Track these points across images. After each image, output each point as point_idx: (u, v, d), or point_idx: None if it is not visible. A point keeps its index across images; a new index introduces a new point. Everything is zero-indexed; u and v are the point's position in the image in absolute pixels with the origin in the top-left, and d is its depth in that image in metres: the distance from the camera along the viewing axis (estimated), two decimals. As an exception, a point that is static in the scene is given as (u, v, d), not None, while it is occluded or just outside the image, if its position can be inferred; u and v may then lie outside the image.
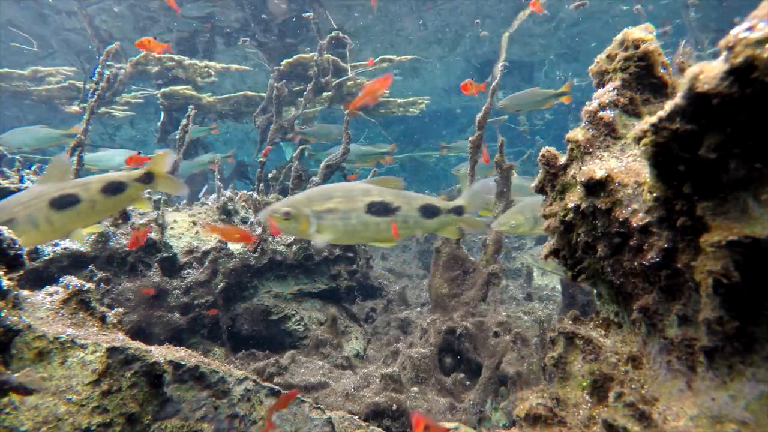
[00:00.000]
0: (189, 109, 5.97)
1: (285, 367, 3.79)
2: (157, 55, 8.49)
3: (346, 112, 5.96)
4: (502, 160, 4.02)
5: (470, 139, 4.14)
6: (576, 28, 16.42)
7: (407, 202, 2.82)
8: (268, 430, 2.30)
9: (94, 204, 2.88)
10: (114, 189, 2.97)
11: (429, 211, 2.88)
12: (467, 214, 3.00)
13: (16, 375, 1.65)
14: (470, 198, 3.04)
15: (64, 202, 2.77)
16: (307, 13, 8.52)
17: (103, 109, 9.60)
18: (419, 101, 10.07)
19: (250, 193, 5.43)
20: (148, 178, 3.07)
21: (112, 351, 1.99)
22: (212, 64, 9.31)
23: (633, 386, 1.52)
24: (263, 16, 10.74)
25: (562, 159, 1.83)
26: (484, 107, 4.06)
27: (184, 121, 5.80)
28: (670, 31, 9.82)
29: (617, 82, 1.75)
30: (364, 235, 2.79)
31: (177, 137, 5.93)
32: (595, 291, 1.83)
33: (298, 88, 8.61)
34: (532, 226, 3.06)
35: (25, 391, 1.61)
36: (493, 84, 4.08)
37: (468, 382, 3.87)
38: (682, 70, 1.72)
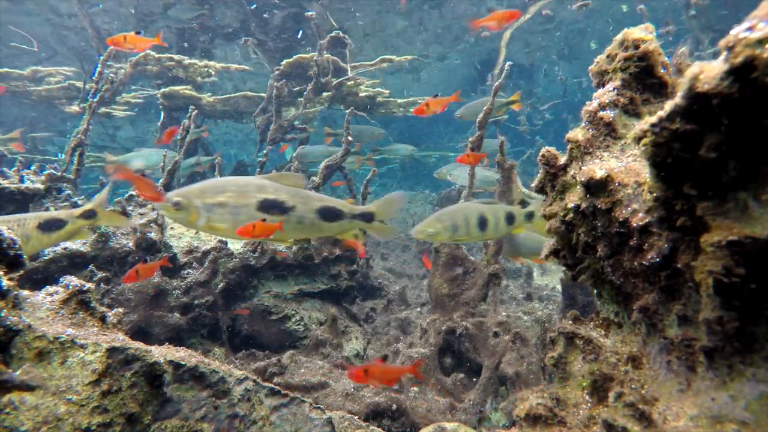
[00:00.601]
0: (190, 110, 5.98)
1: (285, 366, 3.79)
2: (156, 55, 8.50)
3: (347, 112, 5.96)
4: (503, 159, 4.01)
5: (470, 139, 4.14)
6: (576, 28, 16.43)
7: (304, 203, 2.73)
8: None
9: (27, 239, 2.91)
10: (51, 226, 3.00)
11: (329, 214, 2.80)
12: (377, 222, 2.93)
13: (18, 372, 1.65)
14: (383, 205, 2.98)
15: None
16: (309, 12, 8.51)
17: (103, 109, 9.60)
18: (419, 101, 10.07)
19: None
20: (90, 215, 3.12)
21: (112, 351, 1.99)
22: (212, 63, 9.31)
23: (633, 386, 1.52)
24: (265, 15, 10.74)
25: (562, 159, 1.83)
26: (485, 108, 4.07)
27: (185, 122, 5.81)
28: (673, 31, 9.81)
29: (617, 82, 1.75)
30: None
31: (178, 137, 5.94)
32: (595, 291, 1.83)
33: (298, 88, 8.61)
34: (451, 234, 3.01)
35: (27, 387, 1.61)
36: (496, 84, 4.09)
37: (468, 382, 3.87)
38: (680, 70, 1.72)
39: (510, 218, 2.95)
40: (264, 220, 2.60)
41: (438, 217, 3.05)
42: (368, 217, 2.93)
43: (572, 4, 10.57)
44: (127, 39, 4.56)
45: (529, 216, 3.00)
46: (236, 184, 2.67)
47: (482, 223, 2.92)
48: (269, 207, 2.67)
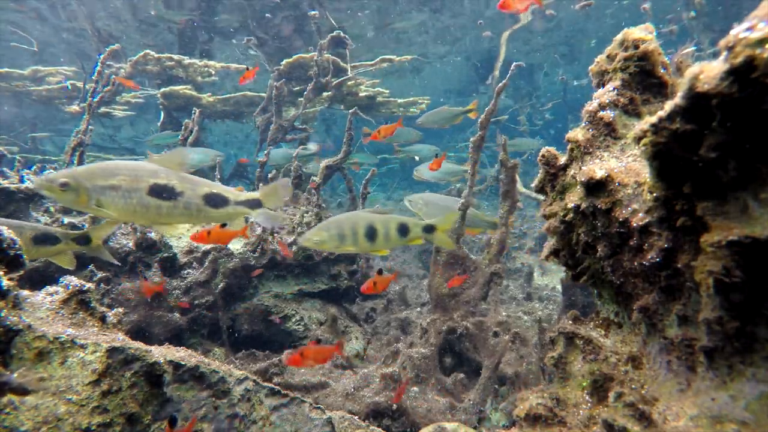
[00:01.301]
0: (194, 111, 6.02)
1: (285, 366, 3.79)
2: (156, 55, 8.50)
3: (349, 112, 5.96)
4: (506, 158, 4.01)
5: (472, 139, 4.14)
6: (576, 27, 16.43)
7: (192, 188, 2.74)
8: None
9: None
10: (44, 240, 2.97)
11: (215, 201, 2.81)
12: (263, 209, 2.96)
13: (15, 375, 1.65)
14: (269, 193, 2.99)
15: None
16: (313, 12, 8.51)
17: (103, 109, 9.59)
18: (420, 101, 10.07)
19: (250, 193, 5.42)
20: (84, 240, 3.08)
21: (112, 351, 1.99)
22: (212, 63, 9.31)
23: (633, 386, 1.52)
24: (268, 15, 10.73)
25: (562, 159, 1.83)
26: (487, 109, 4.07)
27: (187, 122, 5.82)
28: (676, 31, 9.81)
29: (617, 82, 1.75)
30: (145, 216, 2.70)
31: (180, 137, 5.95)
32: (595, 291, 1.83)
33: (298, 88, 8.60)
34: (338, 243, 2.95)
35: (23, 391, 1.61)
36: (499, 86, 4.08)
37: (468, 382, 3.87)
38: (680, 69, 1.72)
39: (403, 230, 2.90)
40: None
41: (326, 225, 2.99)
42: (254, 204, 2.96)
43: (574, 4, 10.57)
44: None
45: (429, 229, 2.95)
46: (127, 167, 2.66)
47: (371, 233, 2.87)
48: (159, 192, 2.67)
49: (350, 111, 5.98)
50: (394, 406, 3.31)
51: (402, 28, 14.45)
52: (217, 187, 2.85)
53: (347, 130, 5.82)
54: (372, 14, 13.11)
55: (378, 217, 2.91)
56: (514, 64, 4.50)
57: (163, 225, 2.81)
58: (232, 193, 2.92)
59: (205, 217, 2.85)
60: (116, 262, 3.28)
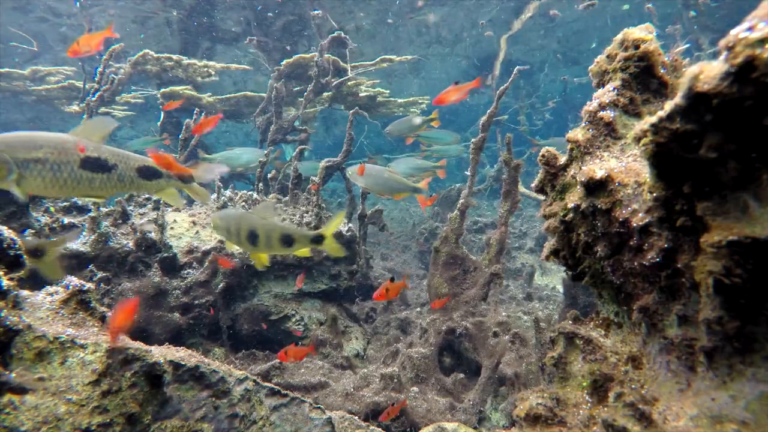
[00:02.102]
0: (195, 111, 6.02)
1: (285, 367, 3.79)
2: (155, 55, 8.49)
3: (350, 112, 5.98)
4: (509, 158, 4.02)
5: (473, 140, 4.15)
6: (576, 28, 16.42)
7: (124, 161, 2.82)
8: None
9: None
10: None
11: (148, 173, 2.90)
12: (194, 184, 3.06)
13: (13, 375, 1.65)
14: (201, 169, 3.09)
15: None
16: (316, 12, 8.51)
17: (102, 109, 9.60)
18: (420, 101, 10.07)
19: (249, 193, 5.43)
20: (38, 253, 3.04)
21: (112, 351, 1.99)
22: (212, 63, 9.30)
23: (633, 386, 1.52)
24: (270, 14, 10.71)
25: (562, 159, 1.83)
26: (489, 111, 4.08)
27: (188, 121, 5.82)
28: (680, 31, 9.81)
29: (617, 82, 1.75)
30: (76, 190, 2.67)
31: (180, 138, 5.96)
32: (595, 291, 1.83)
33: (298, 88, 8.60)
34: (227, 236, 2.98)
35: (22, 390, 1.61)
36: (501, 89, 4.09)
37: (468, 382, 3.87)
38: (675, 69, 1.72)
39: (287, 240, 2.90)
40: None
41: (224, 214, 3.07)
42: (186, 179, 3.07)
43: (578, 4, 10.58)
44: (80, 43, 4.21)
45: (318, 239, 2.96)
46: (49, 139, 2.59)
47: (252, 237, 2.91)
48: (93, 165, 2.66)
49: (351, 111, 5.98)
50: (398, 402, 3.31)
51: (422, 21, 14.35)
52: (147, 161, 2.94)
53: (348, 130, 5.83)
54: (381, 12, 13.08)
55: (262, 224, 2.92)
56: (517, 68, 4.52)
57: (91, 197, 2.85)
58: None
59: (138, 187, 2.92)
60: (63, 276, 3.26)
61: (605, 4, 13.69)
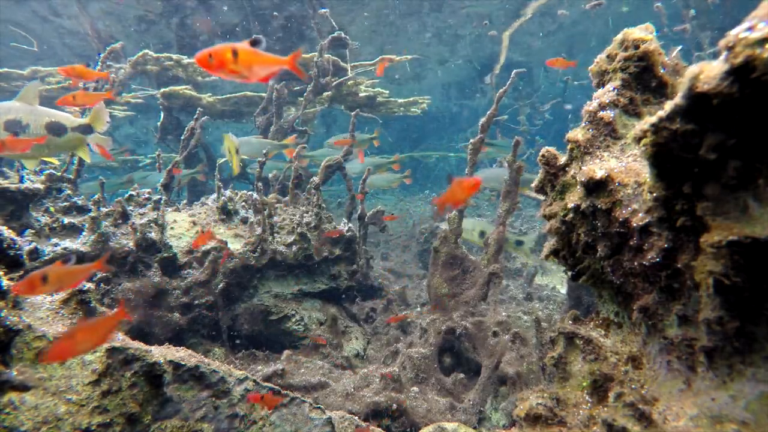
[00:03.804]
0: (197, 112, 6.04)
1: (285, 372, 3.79)
2: (155, 55, 8.49)
3: (352, 114, 6.00)
4: (513, 159, 4.03)
5: (471, 141, 4.15)
6: (576, 28, 16.42)
7: (36, 120, 3.21)
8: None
9: None
10: None
11: (56, 129, 3.28)
12: (94, 134, 3.50)
13: (14, 373, 1.65)
14: (94, 117, 3.50)
15: None
16: (323, 10, 8.51)
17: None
18: (420, 101, 10.07)
19: (250, 193, 5.43)
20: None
21: (112, 351, 1.99)
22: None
23: (633, 386, 1.52)
24: (275, 13, 10.69)
25: (562, 159, 1.83)
26: (488, 112, 4.09)
27: (192, 123, 5.83)
28: (689, 30, 9.78)
29: (617, 82, 1.75)
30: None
31: (182, 138, 5.97)
32: (595, 291, 1.83)
33: (298, 87, 8.60)
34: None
35: (24, 388, 1.61)
36: (500, 92, 4.10)
37: (468, 382, 3.87)
38: (676, 71, 1.72)
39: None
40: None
41: None
42: (86, 130, 3.50)
43: (585, 4, 10.57)
44: (75, 97, 4.18)
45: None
46: None
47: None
48: (11, 126, 3.08)
49: (353, 113, 5.99)
50: (394, 407, 3.31)
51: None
52: (56, 116, 3.34)
53: (350, 132, 5.86)
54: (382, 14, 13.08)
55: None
56: (514, 71, 4.54)
57: (18, 157, 3.24)
58: (69, 119, 3.44)
59: (51, 144, 3.29)
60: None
61: (605, 4, 13.69)
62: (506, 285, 6.51)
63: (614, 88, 1.75)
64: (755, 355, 1.22)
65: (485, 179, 5.59)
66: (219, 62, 1.72)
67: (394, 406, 3.31)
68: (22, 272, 2.06)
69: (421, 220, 10.24)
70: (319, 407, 2.57)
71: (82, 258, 3.96)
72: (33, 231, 3.93)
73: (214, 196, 5.29)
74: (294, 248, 4.71)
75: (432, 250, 4.40)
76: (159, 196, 4.66)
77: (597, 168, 1.59)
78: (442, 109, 25.23)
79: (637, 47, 1.72)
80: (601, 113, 1.73)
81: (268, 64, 1.82)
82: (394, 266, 7.87)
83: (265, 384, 2.49)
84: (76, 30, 12.42)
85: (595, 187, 1.57)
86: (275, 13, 10.71)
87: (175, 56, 8.81)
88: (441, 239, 4.36)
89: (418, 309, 5.41)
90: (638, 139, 1.28)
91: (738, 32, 1.03)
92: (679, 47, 1.78)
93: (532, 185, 1.94)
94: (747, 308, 1.20)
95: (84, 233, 4.06)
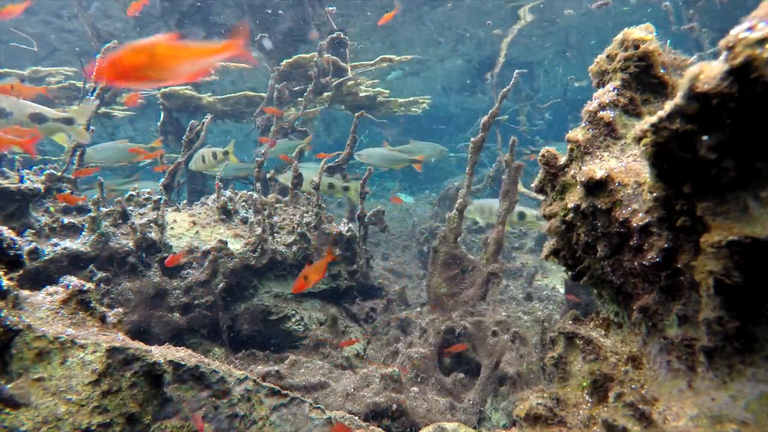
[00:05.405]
0: (207, 117, 6.09)
1: (285, 374, 3.79)
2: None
3: (355, 115, 6.00)
4: (511, 159, 4.03)
5: (473, 140, 4.16)
6: (575, 28, 16.42)
7: (20, 109, 3.57)
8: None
9: None
10: None
11: (38, 118, 3.68)
12: (74, 125, 3.87)
13: (9, 386, 1.65)
14: (78, 111, 3.87)
15: None
16: (330, 8, 8.51)
17: (102, 109, 9.59)
18: (420, 101, 10.07)
19: (250, 193, 5.43)
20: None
21: (112, 351, 1.99)
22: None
23: (633, 386, 1.52)
24: (277, 14, 10.68)
25: (562, 159, 1.83)
26: (491, 111, 4.09)
27: (193, 122, 5.84)
28: (696, 29, 9.77)
29: (617, 82, 1.75)
30: None
31: (184, 138, 5.98)
32: (595, 291, 1.83)
33: (298, 87, 8.59)
34: None
35: (14, 404, 1.61)
36: (503, 92, 4.10)
37: (468, 382, 3.87)
38: (677, 68, 1.72)
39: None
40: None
41: None
42: (68, 121, 3.87)
43: (592, 3, 10.56)
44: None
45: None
46: None
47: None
48: None
49: (356, 114, 5.99)
50: (394, 407, 3.31)
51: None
52: (38, 108, 3.70)
53: (352, 132, 5.86)
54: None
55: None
56: (516, 72, 4.54)
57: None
58: (51, 112, 3.91)
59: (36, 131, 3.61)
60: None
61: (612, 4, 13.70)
62: (506, 285, 6.50)
63: (614, 88, 1.75)
64: (755, 355, 1.22)
65: (476, 208, 5.81)
66: (127, 70, 1.28)
67: (394, 406, 3.31)
68: (22, 272, 2.06)
69: (420, 220, 10.24)
70: (319, 407, 2.57)
71: (82, 258, 3.96)
72: (33, 231, 3.93)
73: (214, 196, 5.29)
74: (294, 248, 4.71)
75: (431, 250, 4.40)
76: (159, 196, 4.66)
77: (597, 168, 1.59)
78: (440, 111, 25.24)
79: (637, 47, 1.72)
80: (601, 113, 1.73)
81: (202, 56, 1.45)
82: (394, 266, 7.87)
83: (265, 384, 2.49)
84: (75, 30, 12.43)
85: (595, 187, 1.57)
86: (280, 12, 10.69)
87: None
88: (440, 239, 4.36)
89: (418, 309, 5.41)
90: (638, 139, 1.28)
91: (738, 32, 1.03)
92: (669, 41, 1.78)
93: (533, 185, 1.94)
94: (747, 308, 1.20)
95: (84, 233, 4.06)
